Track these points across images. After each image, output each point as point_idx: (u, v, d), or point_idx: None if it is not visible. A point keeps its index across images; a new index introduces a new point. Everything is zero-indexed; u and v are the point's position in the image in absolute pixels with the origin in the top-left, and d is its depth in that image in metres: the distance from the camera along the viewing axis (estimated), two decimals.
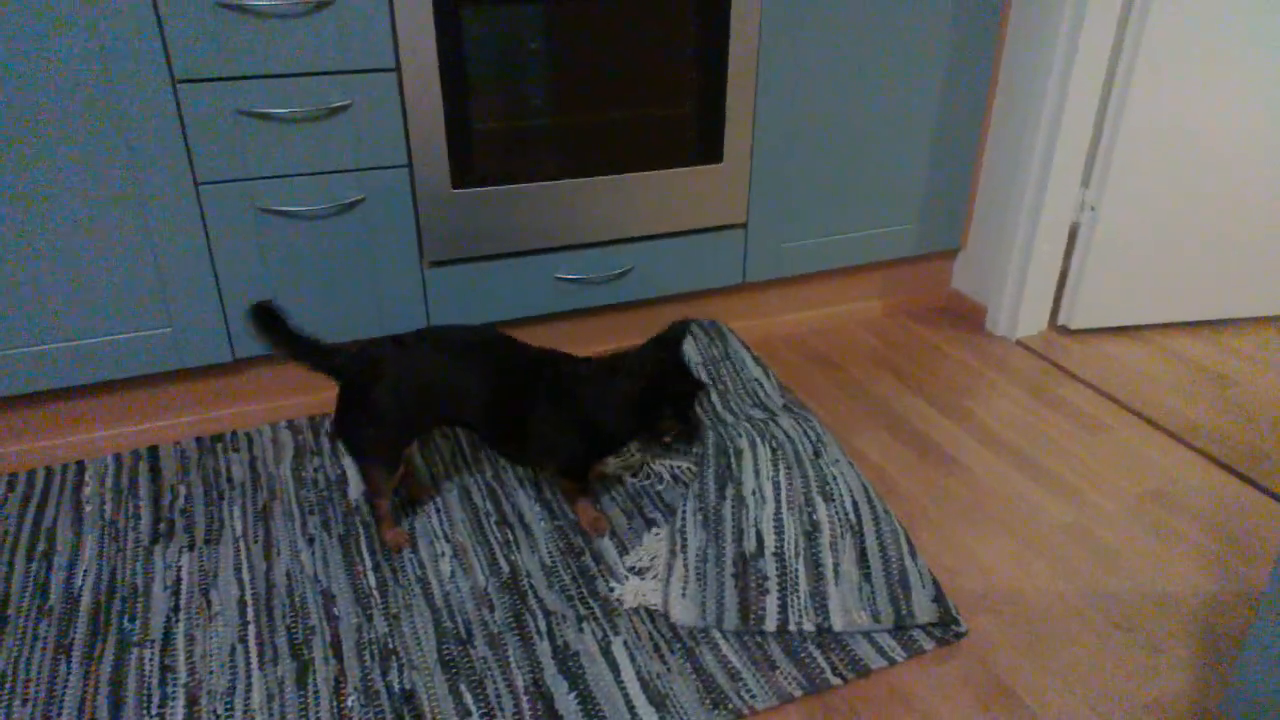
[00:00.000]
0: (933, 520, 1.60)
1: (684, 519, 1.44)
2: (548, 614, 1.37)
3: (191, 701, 1.22)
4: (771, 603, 1.34)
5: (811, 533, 1.37)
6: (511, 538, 1.53)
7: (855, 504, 1.41)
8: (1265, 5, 1.96)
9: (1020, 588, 1.45)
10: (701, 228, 1.98)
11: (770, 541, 1.36)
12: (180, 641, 1.32)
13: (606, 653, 1.30)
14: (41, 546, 1.50)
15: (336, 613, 1.37)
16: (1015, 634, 1.36)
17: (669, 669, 1.28)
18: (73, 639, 1.32)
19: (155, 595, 1.40)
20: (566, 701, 1.22)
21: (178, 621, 1.35)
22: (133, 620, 1.35)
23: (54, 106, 1.44)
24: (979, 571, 1.48)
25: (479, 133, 1.72)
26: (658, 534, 1.52)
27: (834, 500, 1.41)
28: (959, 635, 1.34)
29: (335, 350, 1.45)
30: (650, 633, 1.34)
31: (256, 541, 1.51)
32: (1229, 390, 2.03)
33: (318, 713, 1.20)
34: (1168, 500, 1.67)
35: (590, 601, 1.39)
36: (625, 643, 1.32)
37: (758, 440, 1.51)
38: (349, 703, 1.22)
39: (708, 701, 1.22)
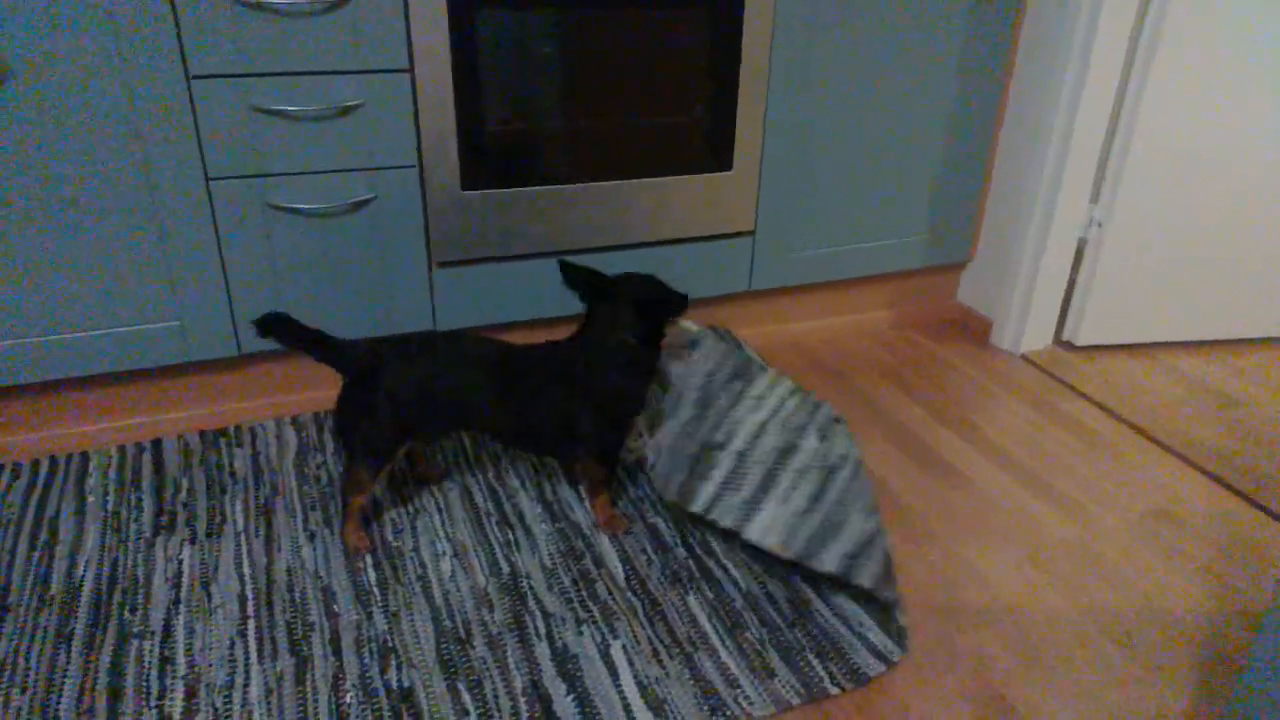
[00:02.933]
0: (935, 533, 1.60)
1: (685, 386, 1.51)
2: (547, 616, 1.37)
3: (190, 694, 1.22)
4: (706, 489, 1.41)
5: (786, 451, 1.41)
6: (512, 539, 1.53)
7: (844, 456, 1.42)
8: (1278, 25, 1.96)
9: (1021, 602, 1.45)
10: (709, 235, 1.99)
11: (738, 442, 1.41)
12: (180, 634, 1.32)
13: (605, 656, 1.30)
14: (44, 536, 1.50)
15: (336, 609, 1.37)
16: (1015, 648, 1.36)
17: (667, 674, 1.27)
18: (73, 629, 1.32)
19: (156, 587, 1.40)
20: (564, 704, 1.22)
21: (178, 614, 1.35)
22: (133, 612, 1.36)
23: (67, 99, 1.45)
24: (980, 585, 1.48)
25: (490, 135, 1.72)
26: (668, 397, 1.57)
27: (827, 440, 1.42)
28: (886, 605, 1.35)
29: (342, 345, 1.45)
30: (649, 637, 1.34)
31: (258, 536, 1.52)
32: (1234, 410, 2.03)
33: (316, 708, 1.20)
34: (1170, 518, 1.67)
35: (590, 604, 1.39)
36: (624, 646, 1.32)
37: (787, 379, 1.52)
38: (347, 699, 1.22)
39: (705, 707, 1.22)
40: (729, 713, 1.22)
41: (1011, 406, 2.02)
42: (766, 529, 1.37)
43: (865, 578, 1.32)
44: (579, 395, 1.48)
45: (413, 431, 1.48)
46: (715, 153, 1.91)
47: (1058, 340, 2.31)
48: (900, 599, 1.35)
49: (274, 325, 1.41)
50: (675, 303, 1.52)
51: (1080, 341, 2.26)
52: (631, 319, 1.47)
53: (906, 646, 1.33)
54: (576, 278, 1.52)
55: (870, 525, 1.37)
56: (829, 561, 1.33)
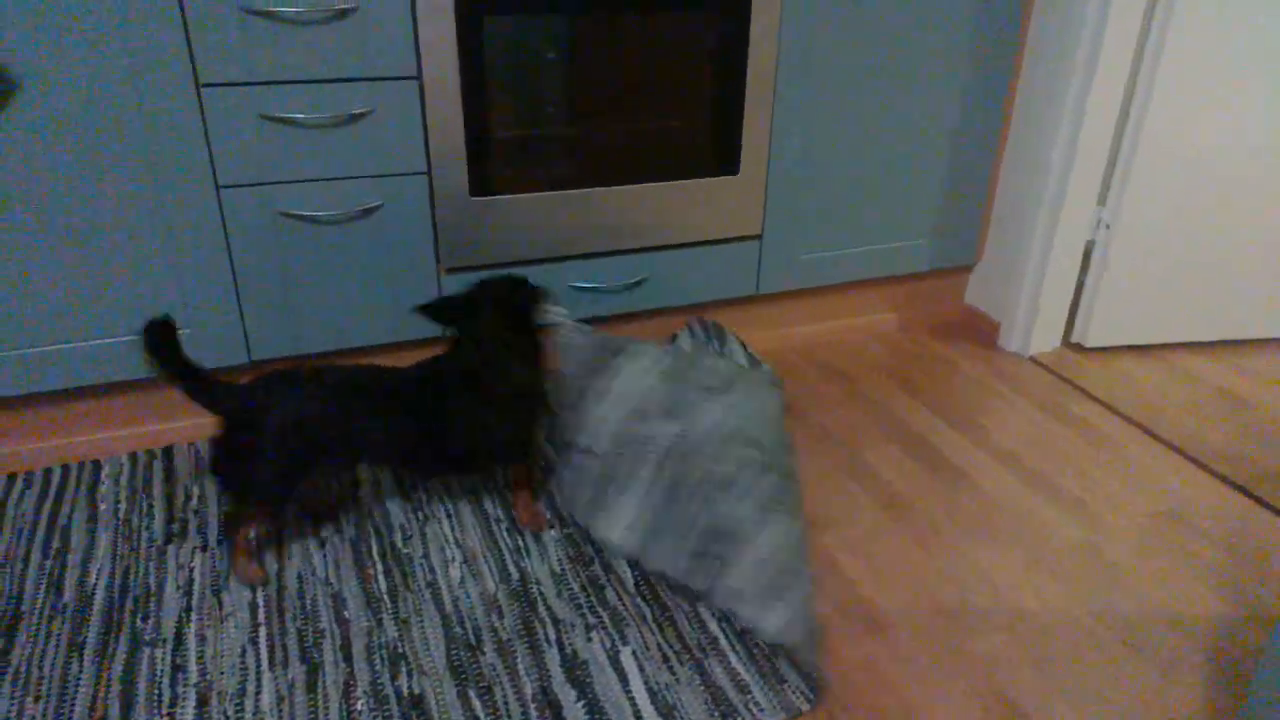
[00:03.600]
0: (943, 536, 1.60)
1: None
2: (557, 622, 1.37)
3: (202, 702, 1.23)
4: (582, 496, 1.53)
5: (637, 446, 1.48)
6: (521, 545, 1.54)
7: (707, 437, 1.45)
8: None
9: (1030, 605, 1.45)
10: (717, 238, 1.99)
11: (583, 439, 1.53)
12: (191, 642, 1.32)
13: (615, 662, 1.30)
14: (56, 544, 1.51)
15: (347, 616, 1.37)
16: (1025, 652, 1.36)
17: (677, 680, 1.28)
18: (85, 637, 1.33)
19: (168, 595, 1.41)
20: (574, 710, 1.22)
21: (189, 622, 1.36)
22: (145, 619, 1.36)
23: (79, 108, 1.46)
24: (989, 588, 1.48)
25: (498, 141, 1.73)
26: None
27: (682, 419, 1.47)
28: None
29: (218, 385, 1.37)
30: (659, 643, 1.34)
31: (268, 543, 1.52)
32: (1243, 411, 2.02)
33: (327, 716, 1.21)
34: (1180, 520, 1.66)
35: (599, 610, 1.40)
36: (634, 652, 1.32)
37: (655, 354, 1.58)
38: (358, 707, 1.22)
39: (716, 714, 1.22)
40: (739, 718, 1.22)
41: (1020, 408, 2.02)
42: (610, 528, 1.49)
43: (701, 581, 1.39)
44: (481, 402, 1.46)
45: (308, 469, 1.42)
46: (722, 157, 1.91)
47: (1066, 342, 2.30)
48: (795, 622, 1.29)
49: (158, 336, 1.30)
50: (531, 291, 1.55)
51: (1089, 343, 2.26)
52: (491, 315, 1.47)
53: (817, 691, 1.26)
54: (440, 310, 1.51)
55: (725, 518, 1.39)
56: (659, 561, 1.44)
